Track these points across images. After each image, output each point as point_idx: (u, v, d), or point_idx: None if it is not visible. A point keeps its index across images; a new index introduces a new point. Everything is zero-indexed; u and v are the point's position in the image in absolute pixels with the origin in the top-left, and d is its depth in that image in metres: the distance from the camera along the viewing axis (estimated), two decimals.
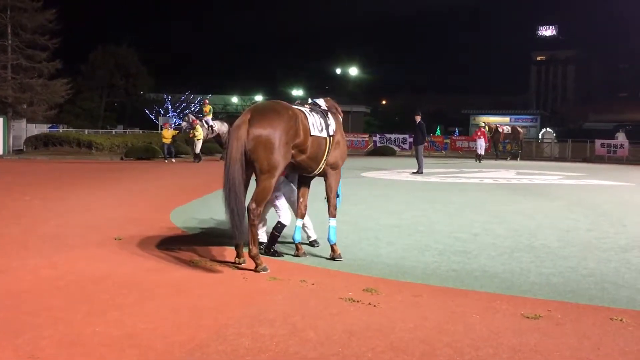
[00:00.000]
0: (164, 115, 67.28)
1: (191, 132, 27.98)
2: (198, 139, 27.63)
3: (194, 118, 29.30)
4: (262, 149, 6.57)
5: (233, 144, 6.58)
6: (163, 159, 28.80)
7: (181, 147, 31.53)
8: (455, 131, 68.80)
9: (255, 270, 6.60)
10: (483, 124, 36.69)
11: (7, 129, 33.51)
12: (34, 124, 39.85)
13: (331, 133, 7.46)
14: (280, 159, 6.68)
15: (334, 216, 7.61)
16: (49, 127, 43.20)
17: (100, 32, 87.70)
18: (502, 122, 49.54)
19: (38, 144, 34.54)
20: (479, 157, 32.47)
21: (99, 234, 8.79)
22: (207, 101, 31.40)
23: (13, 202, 12.50)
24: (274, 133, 6.63)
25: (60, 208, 11.56)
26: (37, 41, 35.97)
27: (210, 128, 28.06)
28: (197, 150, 27.86)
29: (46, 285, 5.98)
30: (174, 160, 28.52)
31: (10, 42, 35.15)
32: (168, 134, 29.01)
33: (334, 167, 7.62)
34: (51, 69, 36.57)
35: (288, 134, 6.75)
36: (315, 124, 7.26)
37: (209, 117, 28.83)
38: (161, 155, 29.23)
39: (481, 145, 33.02)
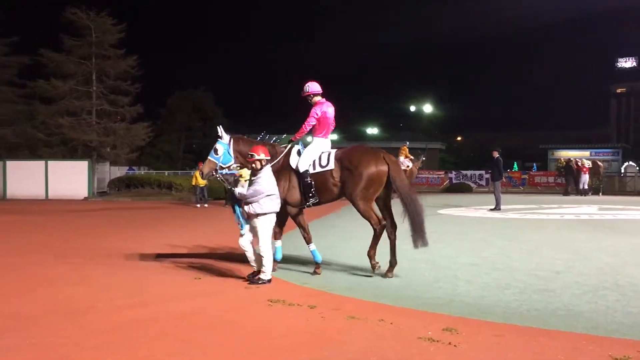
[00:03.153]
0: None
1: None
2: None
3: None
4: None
5: (403, 175, 9.00)
6: (195, 204, 26.42)
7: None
8: (533, 166, 67.37)
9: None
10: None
11: (91, 171, 34.72)
12: (117, 167, 41.17)
13: None
14: None
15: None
16: (128, 170, 44.40)
17: (178, 77, 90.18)
18: (581, 156, 48.21)
19: (120, 185, 35.61)
20: (584, 192, 32.29)
21: (180, 275, 8.97)
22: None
23: (97, 243, 12.89)
24: None
25: (143, 249, 11.83)
26: (120, 87, 37.42)
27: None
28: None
29: (130, 324, 6.12)
30: (206, 205, 25.98)
31: (95, 88, 36.66)
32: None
33: None
34: (133, 113, 37.88)
35: None
36: None
37: None
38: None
39: (585, 181, 32.72)
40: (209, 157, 9.14)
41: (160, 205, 27.42)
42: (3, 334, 5.74)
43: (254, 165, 8.35)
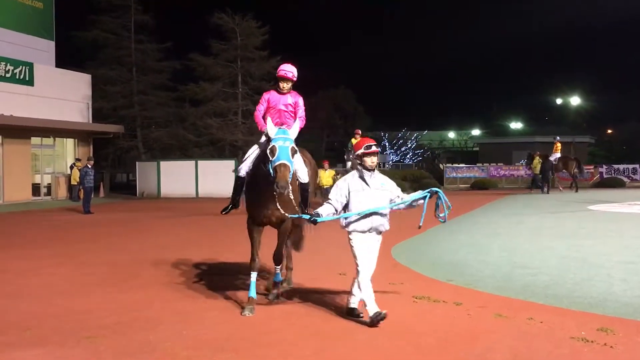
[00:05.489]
0: (382, 153, 68.42)
1: None
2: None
3: None
4: None
5: None
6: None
7: None
8: None
9: None
10: None
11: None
12: None
13: None
14: None
15: None
16: None
17: (318, 76, 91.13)
18: None
19: None
20: None
21: (324, 270, 9.11)
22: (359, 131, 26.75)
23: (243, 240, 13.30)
24: None
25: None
26: (264, 87, 38.47)
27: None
28: None
29: (278, 320, 6.33)
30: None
31: (240, 89, 37.94)
32: (327, 175, 22.19)
33: None
34: None
35: None
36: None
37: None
38: None
39: None
40: (285, 162, 6.36)
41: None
42: (157, 326, 6.04)
43: (372, 162, 6.41)
